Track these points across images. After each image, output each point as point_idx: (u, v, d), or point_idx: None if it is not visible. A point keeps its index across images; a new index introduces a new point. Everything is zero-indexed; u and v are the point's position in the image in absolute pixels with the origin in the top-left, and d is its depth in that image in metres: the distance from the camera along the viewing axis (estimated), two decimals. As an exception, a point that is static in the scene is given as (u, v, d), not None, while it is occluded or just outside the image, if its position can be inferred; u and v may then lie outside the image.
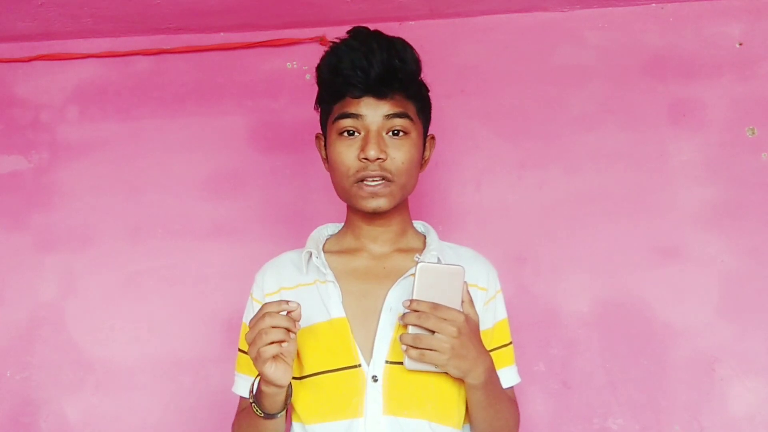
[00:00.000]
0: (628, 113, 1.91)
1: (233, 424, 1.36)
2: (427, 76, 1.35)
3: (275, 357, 1.12)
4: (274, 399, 1.18)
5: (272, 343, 1.11)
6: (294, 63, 2.00)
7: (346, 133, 1.28)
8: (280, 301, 1.14)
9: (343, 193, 1.31)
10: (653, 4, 1.95)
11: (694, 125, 1.89)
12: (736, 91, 1.89)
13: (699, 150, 1.87)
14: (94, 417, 1.85)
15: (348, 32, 1.30)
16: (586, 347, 1.81)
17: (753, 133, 1.87)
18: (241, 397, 1.36)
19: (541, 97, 1.93)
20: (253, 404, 1.21)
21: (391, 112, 1.26)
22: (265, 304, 1.15)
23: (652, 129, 1.89)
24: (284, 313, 1.13)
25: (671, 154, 1.88)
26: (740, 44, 1.91)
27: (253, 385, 1.22)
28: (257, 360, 1.12)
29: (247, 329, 1.32)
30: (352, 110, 1.26)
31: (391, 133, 1.27)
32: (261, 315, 1.12)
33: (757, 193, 1.84)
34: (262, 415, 1.20)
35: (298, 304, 1.13)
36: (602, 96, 1.92)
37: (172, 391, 1.85)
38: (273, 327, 1.11)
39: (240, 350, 1.37)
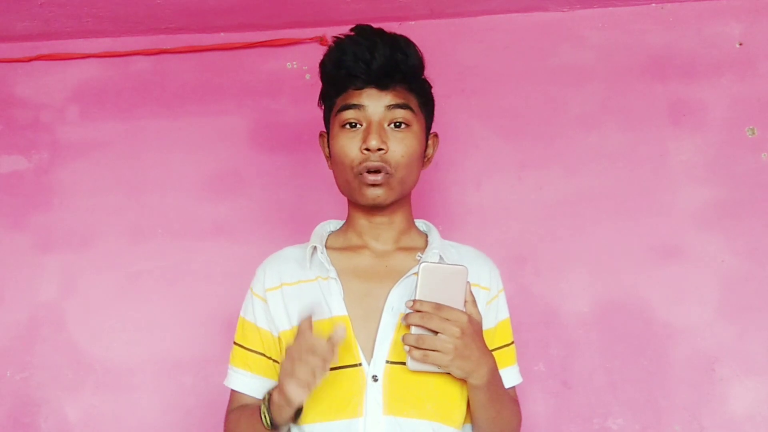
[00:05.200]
0: (628, 113, 1.91)
1: (228, 420, 1.32)
2: (428, 75, 1.36)
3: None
4: (281, 411, 1.16)
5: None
6: (294, 63, 2.00)
7: (348, 126, 1.28)
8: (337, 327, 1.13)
9: (345, 186, 1.31)
10: (653, 4, 1.95)
11: (694, 125, 1.89)
12: (736, 91, 1.89)
13: (699, 150, 1.87)
14: (94, 417, 1.84)
15: (351, 29, 1.31)
16: (586, 347, 1.81)
17: (753, 133, 1.87)
18: (233, 391, 1.32)
19: (541, 97, 1.93)
20: (262, 411, 1.18)
21: (392, 102, 1.27)
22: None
23: (652, 129, 1.89)
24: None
25: (671, 154, 1.88)
26: (740, 44, 1.91)
27: (268, 392, 1.19)
28: (290, 376, 1.11)
29: (245, 323, 1.32)
30: (354, 101, 1.27)
31: (393, 125, 1.28)
32: (318, 341, 1.10)
33: (757, 193, 1.84)
34: (269, 425, 1.17)
35: (344, 332, 1.12)
36: (602, 96, 1.92)
37: (172, 391, 1.85)
38: (321, 358, 1.10)
39: (236, 344, 1.34)
